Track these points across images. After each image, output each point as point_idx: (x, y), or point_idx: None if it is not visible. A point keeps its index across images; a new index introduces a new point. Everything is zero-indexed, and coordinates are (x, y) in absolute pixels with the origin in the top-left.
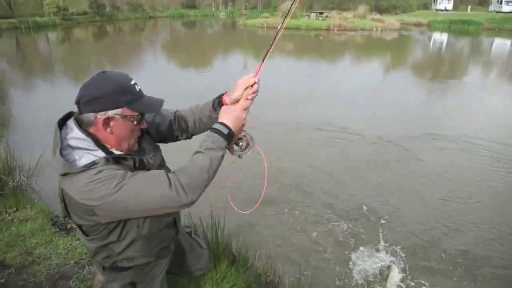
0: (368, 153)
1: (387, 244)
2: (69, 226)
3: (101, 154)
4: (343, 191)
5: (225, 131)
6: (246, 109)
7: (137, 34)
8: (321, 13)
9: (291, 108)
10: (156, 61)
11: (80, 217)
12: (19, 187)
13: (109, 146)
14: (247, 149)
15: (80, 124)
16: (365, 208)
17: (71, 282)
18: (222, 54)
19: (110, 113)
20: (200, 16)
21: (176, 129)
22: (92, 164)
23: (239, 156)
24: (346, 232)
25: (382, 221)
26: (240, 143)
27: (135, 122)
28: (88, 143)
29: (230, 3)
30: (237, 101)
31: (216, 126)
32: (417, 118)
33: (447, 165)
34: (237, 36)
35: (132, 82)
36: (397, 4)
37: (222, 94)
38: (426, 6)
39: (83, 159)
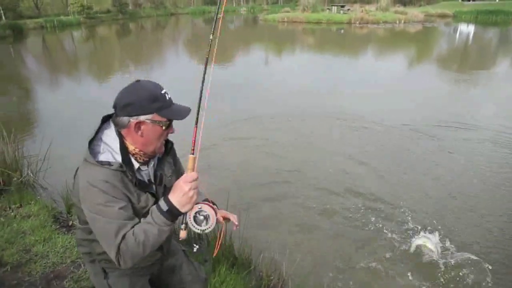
0: (399, 143)
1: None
2: (70, 223)
3: (119, 159)
4: (369, 190)
5: (165, 208)
6: (192, 181)
7: (159, 32)
8: (342, 6)
9: (317, 100)
10: (178, 57)
11: (77, 199)
12: (25, 183)
13: (133, 149)
14: (207, 225)
15: (115, 126)
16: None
17: (65, 282)
18: (241, 49)
19: (142, 117)
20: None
21: None
22: (107, 163)
23: (202, 231)
24: (358, 234)
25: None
26: (200, 216)
27: (163, 127)
28: (115, 145)
29: None
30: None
31: (159, 201)
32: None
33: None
34: (256, 31)
35: (163, 91)
36: None
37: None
38: None
39: (104, 155)
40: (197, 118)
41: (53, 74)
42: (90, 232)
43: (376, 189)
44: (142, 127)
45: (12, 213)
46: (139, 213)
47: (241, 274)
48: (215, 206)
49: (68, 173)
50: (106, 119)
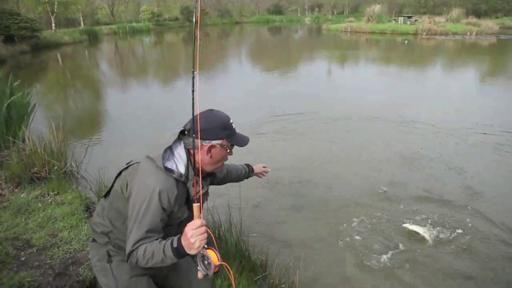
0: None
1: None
2: None
3: (182, 170)
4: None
5: (175, 245)
6: (196, 228)
7: (223, 39)
8: (409, 17)
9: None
10: (241, 64)
11: (124, 186)
12: (67, 173)
13: (197, 166)
14: (208, 269)
15: (186, 145)
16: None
17: (80, 269)
18: (300, 58)
19: (214, 142)
20: (285, 21)
21: (227, 178)
22: (171, 171)
23: (206, 275)
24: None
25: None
26: (205, 261)
27: (228, 151)
28: (182, 159)
29: (316, 9)
30: (256, 174)
31: (177, 236)
32: None
33: None
34: (317, 40)
35: (231, 121)
36: (498, 7)
37: (250, 165)
38: None
39: (170, 163)
40: (198, 171)
41: (121, 77)
42: (115, 211)
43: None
44: (213, 150)
45: (50, 200)
46: (173, 221)
47: (251, 279)
48: (216, 252)
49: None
50: (181, 132)
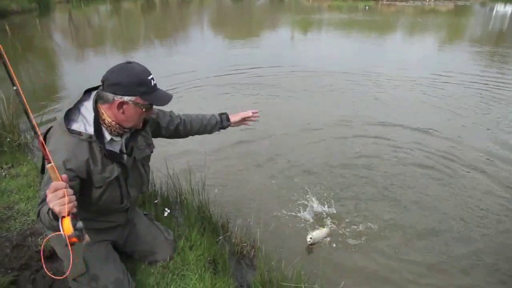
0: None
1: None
2: None
3: (91, 131)
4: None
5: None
6: (52, 192)
7: (184, 8)
8: None
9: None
10: (203, 33)
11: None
12: (22, 145)
13: (110, 121)
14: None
15: (98, 99)
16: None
17: (39, 239)
18: (265, 26)
19: (126, 98)
20: None
21: (182, 129)
22: (78, 133)
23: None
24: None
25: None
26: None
27: (144, 110)
28: (90, 117)
29: None
30: (235, 123)
31: None
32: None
33: None
34: (280, 7)
35: (149, 77)
36: None
37: (225, 113)
38: None
39: (76, 125)
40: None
41: (77, 48)
42: None
43: None
44: (125, 106)
45: (3, 173)
46: (100, 182)
47: (213, 239)
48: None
49: None
50: (87, 91)
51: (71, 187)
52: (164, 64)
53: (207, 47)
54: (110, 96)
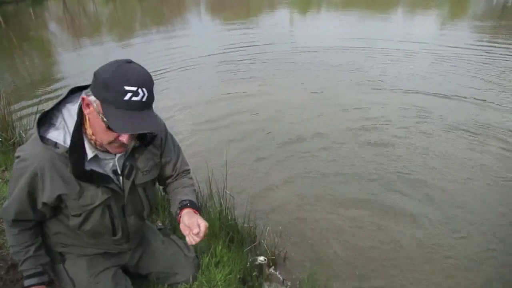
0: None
1: None
2: None
3: (68, 142)
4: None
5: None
6: None
7: None
8: None
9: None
10: (200, 19)
11: None
12: (17, 144)
13: (91, 134)
14: None
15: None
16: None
17: None
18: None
19: (91, 98)
20: None
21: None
22: (54, 144)
23: None
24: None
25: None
26: None
27: (106, 127)
28: (71, 125)
29: None
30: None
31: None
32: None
33: None
34: None
35: (134, 88)
36: None
37: (182, 208)
38: None
39: (55, 133)
40: None
41: (73, 37)
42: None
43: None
44: (89, 109)
45: None
46: (77, 210)
47: (241, 252)
48: None
49: None
50: (74, 91)
51: (38, 211)
52: (161, 47)
53: (205, 31)
54: (86, 90)
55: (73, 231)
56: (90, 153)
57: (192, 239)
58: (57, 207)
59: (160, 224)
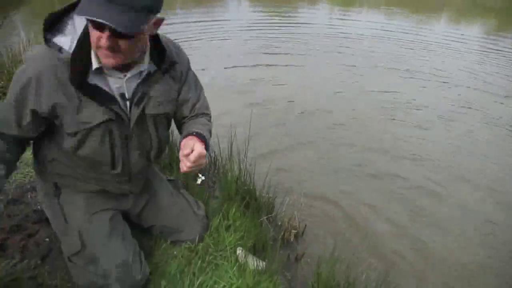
0: None
1: None
2: None
3: (71, 48)
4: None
5: None
6: None
7: None
8: None
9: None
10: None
11: None
12: None
13: None
14: None
15: None
16: None
17: None
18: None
19: None
20: None
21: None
22: (58, 49)
23: None
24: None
25: None
26: None
27: (92, 26)
28: (80, 32)
29: None
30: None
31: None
32: None
33: None
34: None
35: None
36: None
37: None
38: None
39: (62, 38)
40: None
41: None
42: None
43: None
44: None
45: None
46: (73, 127)
47: (256, 219)
48: None
49: None
50: None
51: (22, 127)
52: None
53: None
54: None
55: (70, 158)
56: (95, 63)
57: (183, 164)
58: (51, 124)
59: (170, 177)
